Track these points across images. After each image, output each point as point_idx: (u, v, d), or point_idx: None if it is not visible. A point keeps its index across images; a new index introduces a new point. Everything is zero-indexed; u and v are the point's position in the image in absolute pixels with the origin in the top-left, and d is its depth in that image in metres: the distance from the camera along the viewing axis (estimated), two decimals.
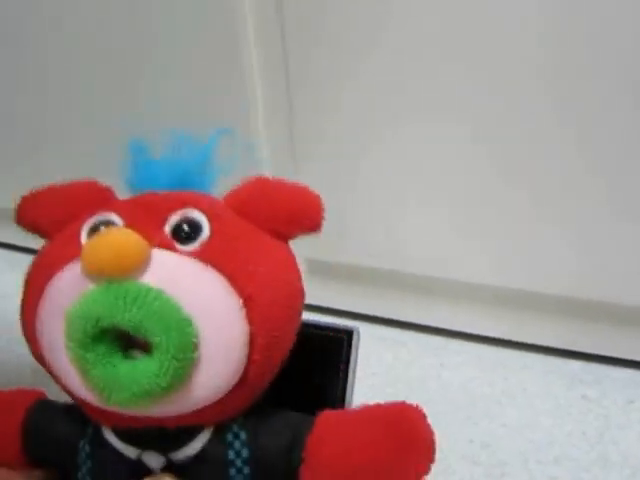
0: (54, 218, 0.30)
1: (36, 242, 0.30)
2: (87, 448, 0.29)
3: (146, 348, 0.24)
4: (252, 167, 0.31)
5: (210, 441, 0.28)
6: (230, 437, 0.28)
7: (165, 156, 0.30)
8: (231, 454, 0.28)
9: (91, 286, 0.24)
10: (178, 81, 0.52)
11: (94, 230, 0.27)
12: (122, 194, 0.31)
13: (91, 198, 0.30)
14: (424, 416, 0.28)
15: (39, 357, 0.27)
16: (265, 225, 0.29)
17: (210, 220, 0.27)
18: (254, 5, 0.48)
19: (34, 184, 0.31)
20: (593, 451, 0.42)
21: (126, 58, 0.54)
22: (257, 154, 0.51)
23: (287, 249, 0.30)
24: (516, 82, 0.43)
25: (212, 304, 0.25)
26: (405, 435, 0.27)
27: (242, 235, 0.28)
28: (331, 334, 0.32)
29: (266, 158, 0.51)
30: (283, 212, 0.29)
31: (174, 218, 0.27)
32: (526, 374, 0.49)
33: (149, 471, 0.28)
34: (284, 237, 0.29)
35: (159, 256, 0.25)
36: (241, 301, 0.26)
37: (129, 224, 0.27)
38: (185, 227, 0.27)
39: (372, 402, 0.46)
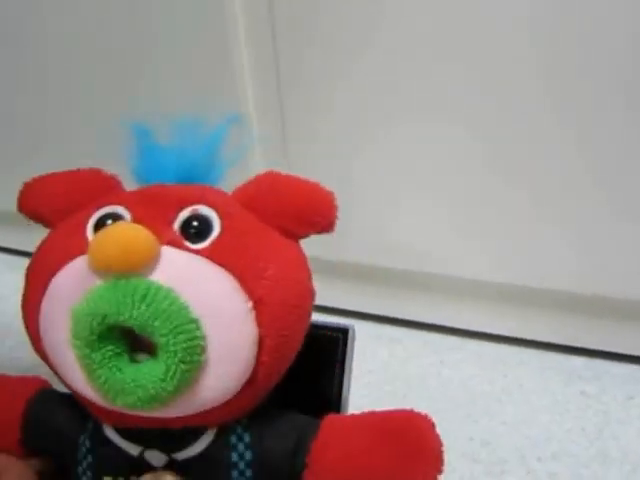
0: (56, 207, 0.29)
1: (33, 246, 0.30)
2: (87, 443, 0.29)
3: (152, 350, 0.24)
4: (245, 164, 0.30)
5: (213, 442, 0.27)
6: (234, 439, 0.28)
7: (173, 145, 0.29)
8: (234, 456, 0.27)
9: (98, 282, 0.24)
10: (170, 82, 0.52)
11: (101, 224, 0.26)
12: (127, 183, 0.30)
13: (95, 187, 0.29)
14: (433, 425, 0.27)
15: (42, 354, 0.27)
16: (274, 222, 0.28)
17: (221, 217, 0.27)
18: (245, 5, 0.48)
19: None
20: (592, 447, 0.42)
21: (121, 58, 0.54)
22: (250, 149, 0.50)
23: (297, 248, 0.29)
24: (510, 81, 0.43)
25: (221, 305, 0.25)
26: (413, 444, 0.27)
27: (252, 233, 0.27)
28: (326, 333, 0.31)
29: (258, 158, 0.51)
30: (292, 208, 0.28)
31: (184, 214, 0.26)
32: (525, 371, 0.49)
33: (150, 468, 0.28)
34: (295, 235, 0.29)
35: (168, 254, 0.25)
36: (251, 303, 0.25)
37: (137, 219, 0.26)
38: (195, 224, 0.26)
39: (370, 400, 0.46)
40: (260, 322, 0.25)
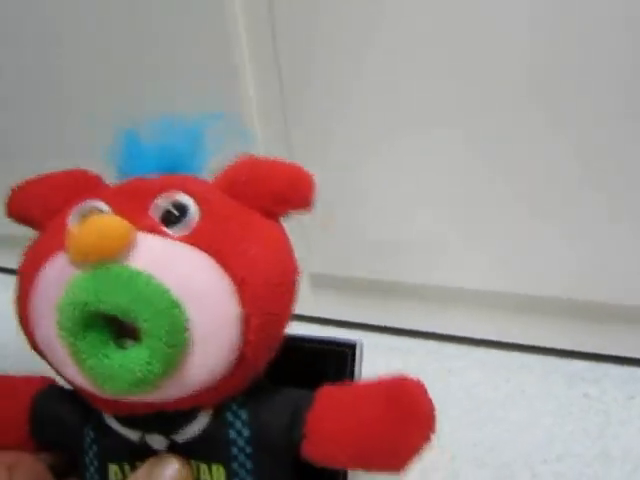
0: (43, 208, 0.29)
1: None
2: (91, 434, 0.29)
3: (138, 336, 0.24)
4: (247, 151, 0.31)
5: (211, 422, 0.28)
6: (231, 417, 0.28)
7: (154, 141, 0.30)
8: (232, 434, 0.28)
9: (78, 273, 0.24)
10: (170, 82, 0.53)
11: (80, 219, 0.27)
12: (112, 181, 0.31)
13: (80, 186, 0.30)
14: (424, 389, 0.28)
15: (38, 350, 0.28)
16: (254, 204, 0.28)
17: (198, 202, 0.27)
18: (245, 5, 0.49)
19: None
20: (595, 447, 0.44)
21: (119, 58, 0.55)
22: (250, 138, 0.49)
23: (279, 227, 0.29)
24: (510, 93, 0.44)
25: (202, 287, 0.25)
26: (406, 409, 0.27)
27: (231, 216, 0.27)
28: (334, 348, 0.32)
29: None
30: (271, 189, 0.28)
31: (160, 202, 0.27)
32: (528, 376, 0.51)
33: (153, 452, 0.28)
34: (275, 215, 0.29)
35: (147, 240, 0.25)
36: (233, 284, 0.25)
37: (116, 210, 0.27)
38: (172, 210, 0.26)
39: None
40: (244, 302, 0.25)
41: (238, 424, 0.28)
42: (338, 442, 0.27)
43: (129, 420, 0.28)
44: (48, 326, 0.25)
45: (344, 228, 0.54)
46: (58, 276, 0.25)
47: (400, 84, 0.47)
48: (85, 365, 0.24)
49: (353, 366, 0.33)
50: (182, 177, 0.29)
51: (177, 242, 0.26)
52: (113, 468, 0.29)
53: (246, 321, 0.26)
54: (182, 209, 0.27)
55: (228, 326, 0.25)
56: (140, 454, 0.28)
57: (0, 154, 0.64)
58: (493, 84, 0.44)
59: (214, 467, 0.28)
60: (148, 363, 0.24)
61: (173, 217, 0.26)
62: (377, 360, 0.55)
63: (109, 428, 0.29)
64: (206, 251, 0.26)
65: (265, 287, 0.26)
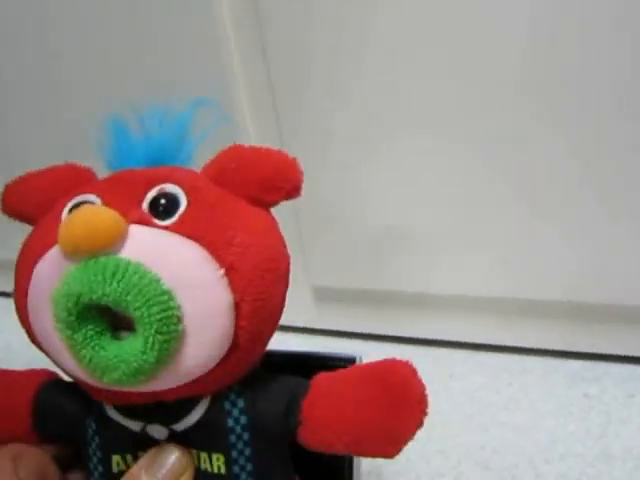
0: (37, 204, 0.30)
1: None
2: (93, 425, 0.30)
3: (132, 326, 0.25)
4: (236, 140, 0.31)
5: (208, 410, 0.28)
6: (228, 405, 0.28)
7: (141, 132, 0.30)
8: (230, 422, 0.28)
9: (71, 265, 0.25)
10: (160, 82, 0.53)
11: (71, 212, 0.27)
12: (102, 174, 0.31)
13: (71, 180, 0.30)
14: (414, 371, 0.28)
15: (36, 342, 0.28)
16: (242, 192, 0.29)
17: (187, 193, 0.27)
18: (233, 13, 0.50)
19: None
20: (597, 446, 0.45)
21: (113, 57, 0.55)
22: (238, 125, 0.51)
23: (267, 214, 0.30)
24: (511, 94, 0.44)
25: (192, 275, 0.25)
26: (398, 392, 0.27)
27: (219, 205, 0.28)
28: (335, 364, 0.32)
29: None
30: (257, 177, 0.29)
31: (151, 193, 0.27)
32: (529, 378, 0.52)
33: (155, 442, 0.29)
34: (264, 203, 0.29)
35: (137, 232, 0.25)
36: (222, 270, 0.26)
37: (107, 203, 0.27)
38: (162, 201, 0.27)
39: None
40: (234, 288, 0.26)
41: (235, 412, 0.28)
42: (333, 429, 0.28)
43: (130, 411, 0.29)
44: (45, 319, 0.26)
45: (342, 236, 0.55)
46: (53, 269, 0.26)
47: (399, 83, 0.47)
48: (82, 357, 0.25)
49: None
50: (170, 168, 0.29)
51: (166, 232, 0.26)
52: (116, 458, 0.29)
53: (237, 307, 0.26)
54: (171, 199, 0.27)
55: (220, 313, 0.26)
56: (142, 444, 0.29)
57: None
58: (493, 84, 0.44)
59: (214, 455, 0.28)
60: (142, 352, 0.24)
61: (162, 207, 0.27)
62: None
63: (110, 419, 0.29)
64: (195, 239, 0.26)
65: (254, 273, 0.27)
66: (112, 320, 0.26)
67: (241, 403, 0.29)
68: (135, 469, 0.28)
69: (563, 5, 0.41)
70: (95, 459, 0.30)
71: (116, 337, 0.26)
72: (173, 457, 0.28)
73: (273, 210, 0.30)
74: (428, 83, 0.46)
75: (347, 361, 0.33)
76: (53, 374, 0.32)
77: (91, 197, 0.28)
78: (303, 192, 0.30)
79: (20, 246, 0.29)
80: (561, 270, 0.50)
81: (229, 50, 0.51)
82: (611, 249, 0.47)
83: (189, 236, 0.26)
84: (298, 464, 0.31)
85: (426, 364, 0.54)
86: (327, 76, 0.49)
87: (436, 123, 0.47)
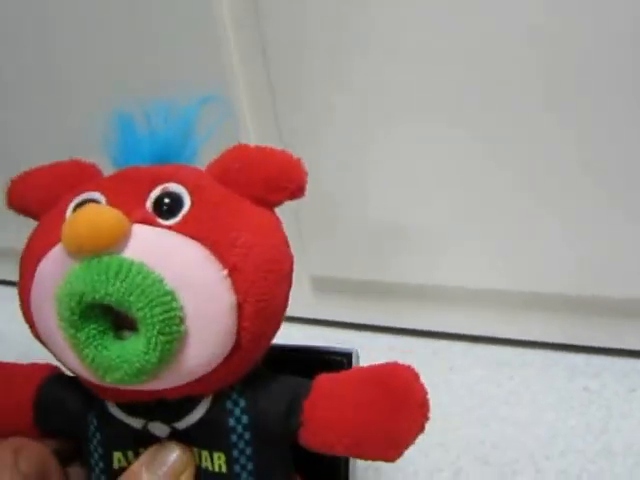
0: (41, 199, 0.30)
1: None
2: (95, 421, 0.30)
3: (135, 326, 0.25)
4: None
5: (210, 409, 0.28)
6: (230, 405, 0.28)
7: (146, 129, 0.30)
8: (231, 421, 0.28)
9: (74, 264, 0.25)
10: (159, 75, 0.53)
11: (75, 210, 0.27)
12: (107, 171, 0.31)
13: (76, 177, 0.30)
14: (416, 375, 0.28)
15: (40, 339, 0.28)
16: (246, 192, 0.28)
17: (191, 192, 0.27)
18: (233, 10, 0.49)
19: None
20: (598, 442, 0.44)
21: (111, 54, 0.55)
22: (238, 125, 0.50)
23: (271, 215, 0.29)
24: (510, 81, 0.44)
25: (195, 275, 0.25)
26: (399, 396, 0.27)
27: (222, 204, 0.27)
28: (330, 358, 0.33)
29: None
30: (261, 177, 0.28)
31: (155, 192, 0.27)
32: (530, 371, 0.51)
33: (156, 440, 0.29)
34: (268, 203, 0.29)
35: (140, 231, 0.25)
36: (225, 271, 0.26)
37: (111, 201, 0.27)
38: (166, 201, 0.27)
39: None
40: (237, 289, 0.26)
41: (237, 411, 0.28)
42: (334, 430, 0.28)
43: (132, 408, 0.29)
44: (48, 317, 0.26)
45: (340, 226, 0.54)
46: (56, 267, 0.26)
47: (400, 82, 0.46)
48: (84, 356, 0.25)
49: None
50: (175, 166, 0.29)
51: (170, 232, 0.26)
52: (117, 455, 0.29)
53: (240, 308, 0.26)
54: (175, 199, 0.27)
55: (223, 313, 0.26)
56: (143, 441, 0.29)
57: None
58: (495, 71, 0.44)
59: (215, 454, 0.28)
60: (145, 353, 0.24)
61: (166, 207, 0.27)
62: (379, 361, 0.55)
63: (112, 416, 0.29)
64: (198, 240, 0.26)
65: (257, 273, 0.27)
66: (115, 319, 0.25)
67: (243, 402, 0.29)
68: (136, 466, 0.28)
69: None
70: (96, 455, 0.30)
71: (119, 337, 0.25)
72: (174, 455, 0.28)
73: None
74: (431, 75, 0.45)
75: (343, 355, 0.33)
76: (55, 368, 0.32)
77: (95, 195, 0.28)
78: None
79: (24, 241, 0.29)
80: (562, 263, 0.49)
81: (229, 50, 0.51)
82: (613, 242, 0.47)
83: (192, 236, 0.26)
84: (294, 459, 0.31)
85: (426, 356, 0.55)
86: (327, 75, 0.48)
87: (438, 117, 0.47)
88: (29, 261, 0.28)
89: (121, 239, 0.25)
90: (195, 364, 0.26)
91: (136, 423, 0.29)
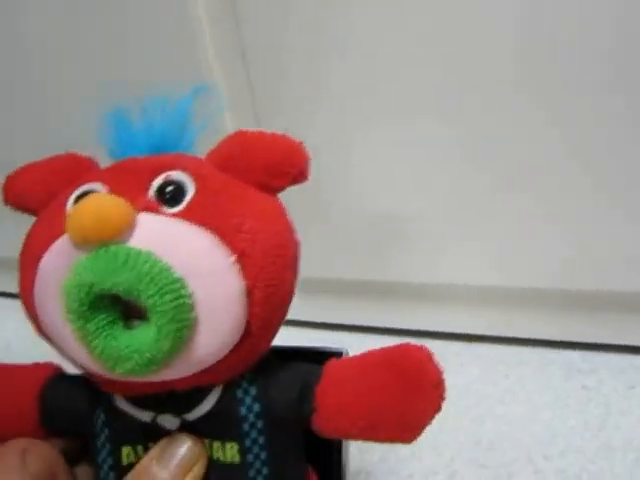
0: (39, 193, 0.29)
1: None
2: (102, 416, 0.29)
3: (144, 315, 0.24)
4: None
5: (221, 399, 0.28)
6: (240, 393, 0.28)
7: (142, 121, 0.29)
8: (243, 410, 0.28)
9: (81, 255, 0.24)
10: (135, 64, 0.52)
11: (78, 201, 0.27)
12: (103, 163, 0.30)
13: (72, 170, 0.30)
14: (429, 355, 0.28)
15: (43, 335, 0.27)
16: (248, 178, 0.28)
17: (194, 180, 0.27)
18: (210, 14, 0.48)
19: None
20: (597, 440, 0.43)
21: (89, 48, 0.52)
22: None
23: (275, 201, 0.29)
24: (491, 82, 0.43)
25: (203, 263, 0.25)
26: (413, 377, 0.27)
27: (226, 191, 0.27)
28: (320, 358, 0.31)
29: None
30: (263, 162, 0.28)
31: (158, 181, 0.27)
32: (525, 370, 0.50)
33: (166, 433, 0.28)
34: (271, 189, 0.29)
35: (145, 220, 0.25)
36: (233, 257, 0.25)
37: (113, 191, 0.27)
38: (169, 189, 0.26)
39: None
40: (246, 275, 0.25)
41: (248, 400, 0.28)
42: (348, 415, 0.27)
43: (140, 401, 0.28)
44: (53, 310, 0.25)
45: (327, 226, 0.53)
46: (61, 260, 0.25)
47: (379, 81, 0.46)
48: (93, 347, 0.24)
49: None
50: (176, 155, 0.29)
51: (175, 219, 0.26)
52: (126, 450, 0.29)
53: (250, 294, 0.26)
54: (178, 186, 0.27)
55: (232, 300, 0.25)
56: (152, 435, 0.28)
57: None
58: (473, 84, 0.43)
59: (228, 444, 0.28)
60: (156, 341, 0.24)
61: (170, 195, 0.26)
62: None
63: (120, 410, 0.29)
64: (204, 226, 0.26)
65: (265, 259, 0.26)
66: (124, 309, 0.25)
67: (253, 391, 0.28)
68: (146, 460, 0.28)
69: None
70: (104, 452, 0.29)
71: (128, 326, 0.25)
72: (185, 447, 0.28)
73: None
74: (410, 78, 0.45)
75: (333, 355, 0.32)
76: (57, 367, 0.32)
77: (96, 186, 0.27)
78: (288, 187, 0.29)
79: (23, 238, 0.28)
80: (556, 258, 0.48)
81: (209, 54, 0.50)
82: (609, 236, 0.46)
83: (198, 223, 0.26)
84: None
85: None
86: (307, 77, 0.48)
87: (417, 119, 0.46)
88: (30, 256, 0.27)
89: (127, 228, 0.24)
90: (206, 352, 0.25)
91: (145, 416, 0.28)
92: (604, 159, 0.43)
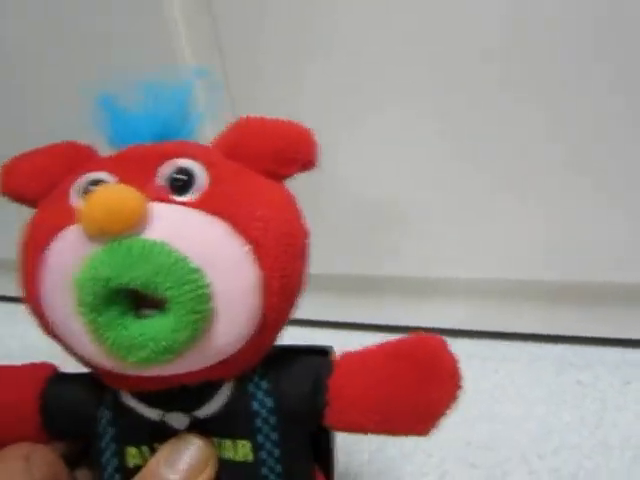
0: (38, 184, 0.28)
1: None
2: (108, 415, 0.28)
3: (157, 305, 0.24)
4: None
5: (232, 394, 0.27)
6: (252, 388, 0.27)
7: (143, 108, 0.29)
8: (255, 405, 0.27)
9: (95, 248, 0.24)
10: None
11: (86, 191, 0.26)
12: (102, 152, 0.29)
13: (72, 158, 0.29)
14: (444, 344, 0.27)
15: (51, 332, 0.26)
16: (256, 166, 0.27)
17: (203, 167, 0.26)
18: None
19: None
20: (593, 437, 0.41)
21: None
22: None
23: (283, 189, 0.28)
24: (479, 80, 0.42)
25: (219, 252, 0.24)
26: (428, 367, 0.26)
27: (236, 179, 0.27)
28: (306, 355, 0.30)
29: None
30: (271, 149, 0.27)
31: (166, 169, 0.26)
32: (515, 365, 0.48)
33: (174, 433, 0.27)
34: (279, 176, 0.28)
35: (158, 210, 0.25)
36: (248, 246, 0.25)
37: (122, 180, 0.26)
38: (179, 177, 0.26)
39: None
40: (261, 264, 0.25)
41: (260, 394, 0.27)
42: (362, 407, 0.27)
43: (149, 398, 0.27)
44: (62, 303, 0.25)
45: (314, 220, 0.51)
46: (72, 252, 0.24)
47: (361, 79, 0.45)
48: (105, 339, 0.24)
49: None
50: (182, 142, 0.28)
51: (187, 209, 0.25)
52: (131, 451, 0.28)
53: (267, 284, 0.25)
54: (188, 175, 0.26)
55: (249, 290, 0.25)
56: (159, 435, 0.27)
57: None
58: (460, 82, 0.42)
59: (239, 442, 0.27)
60: (173, 331, 0.23)
61: (180, 183, 0.26)
62: None
63: (127, 408, 0.28)
64: (217, 215, 0.25)
65: (278, 247, 0.26)
66: (134, 299, 0.24)
67: (265, 385, 0.27)
68: (153, 462, 0.26)
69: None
70: (108, 452, 0.28)
71: (138, 315, 0.24)
72: (194, 447, 0.27)
73: None
74: (395, 76, 0.44)
75: (320, 353, 0.31)
76: (55, 367, 0.31)
77: (103, 175, 0.26)
78: None
79: (24, 233, 0.27)
80: (545, 248, 0.47)
81: (181, 46, 0.48)
82: (600, 227, 0.45)
83: (210, 212, 0.25)
84: None
85: None
86: (289, 78, 0.47)
87: (402, 116, 0.45)
88: (32, 248, 0.26)
89: (142, 220, 0.24)
90: (224, 343, 0.25)
91: (153, 414, 0.27)
92: (604, 159, 0.43)
